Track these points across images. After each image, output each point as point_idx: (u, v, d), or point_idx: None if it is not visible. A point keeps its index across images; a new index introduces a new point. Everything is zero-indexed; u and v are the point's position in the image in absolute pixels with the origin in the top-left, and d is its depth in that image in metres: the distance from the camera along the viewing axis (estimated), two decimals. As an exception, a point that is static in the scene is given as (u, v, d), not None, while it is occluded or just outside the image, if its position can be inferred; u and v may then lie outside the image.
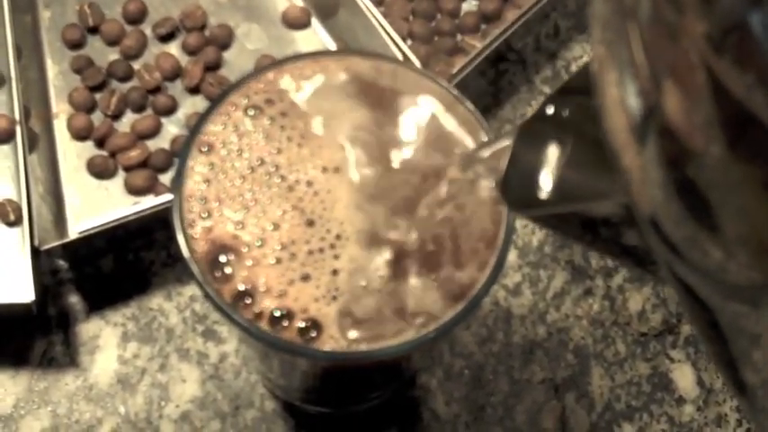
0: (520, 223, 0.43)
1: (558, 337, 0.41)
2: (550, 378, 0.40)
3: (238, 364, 0.40)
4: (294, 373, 0.36)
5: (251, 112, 0.31)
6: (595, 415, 0.39)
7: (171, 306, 0.41)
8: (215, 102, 0.31)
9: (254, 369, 0.39)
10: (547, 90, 0.45)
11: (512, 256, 0.42)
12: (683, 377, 0.40)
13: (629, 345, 0.41)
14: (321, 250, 0.29)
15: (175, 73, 0.46)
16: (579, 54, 0.46)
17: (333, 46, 0.47)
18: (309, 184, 0.30)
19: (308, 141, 0.31)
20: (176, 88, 0.46)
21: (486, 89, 0.45)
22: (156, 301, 0.41)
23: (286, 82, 0.32)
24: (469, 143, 0.31)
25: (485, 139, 0.30)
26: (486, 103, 0.45)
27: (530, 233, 0.43)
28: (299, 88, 0.32)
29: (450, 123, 0.31)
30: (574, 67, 0.46)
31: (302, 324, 0.28)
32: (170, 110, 0.45)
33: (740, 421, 0.40)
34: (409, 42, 0.46)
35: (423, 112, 0.31)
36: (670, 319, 0.41)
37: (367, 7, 0.44)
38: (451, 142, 0.31)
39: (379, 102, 0.31)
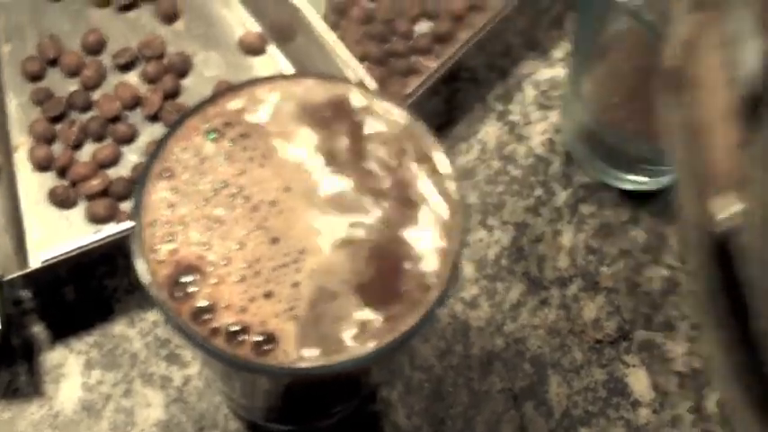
0: (476, 237, 0.44)
1: (516, 347, 0.42)
2: (509, 388, 0.41)
3: (202, 386, 0.40)
4: (255, 392, 0.36)
5: (211, 136, 0.32)
6: (554, 422, 0.40)
7: (134, 332, 0.41)
8: (173, 127, 0.32)
9: (217, 390, 0.40)
10: (499, 107, 0.47)
11: (469, 270, 0.43)
12: (638, 381, 0.41)
13: (584, 352, 0.42)
14: (285, 265, 0.30)
15: (135, 102, 0.47)
16: (530, 71, 0.47)
17: (290, 70, 0.48)
18: (273, 203, 0.31)
19: (269, 161, 0.32)
20: (136, 117, 0.47)
21: (441, 108, 0.46)
22: (118, 327, 0.42)
23: (244, 105, 0.33)
24: (423, 160, 0.32)
25: (438, 155, 0.31)
26: (440, 122, 0.46)
27: (485, 247, 0.43)
28: (258, 111, 0.33)
29: (403, 142, 0.32)
30: (525, 84, 0.47)
31: (258, 338, 0.29)
32: (130, 138, 0.46)
33: (695, 422, 0.41)
34: (365, 64, 0.47)
35: (377, 132, 0.32)
36: (624, 326, 0.42)
37: (322, 31, 0.45)
38: (404, 160, 0.32)
39: (334, 121, 0.32)
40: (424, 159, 0.32)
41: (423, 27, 0.48)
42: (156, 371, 0.41)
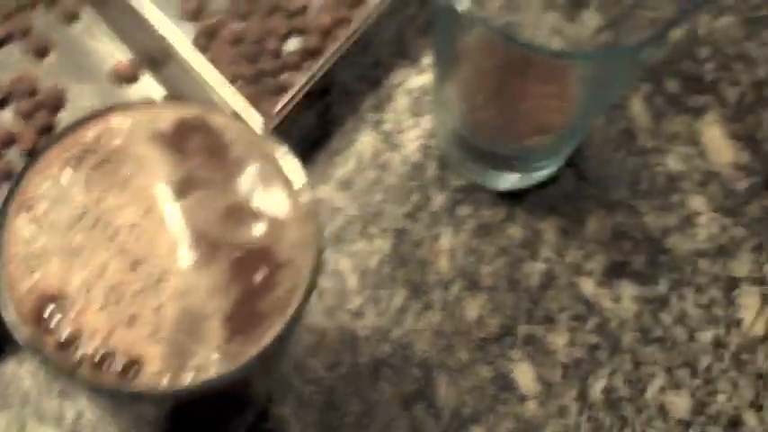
0: (357, 247, 0.44)
1: (403, 352, 0.42)
2: (399, 393, 0.42)
3: (95, 419, 0.40)
4: (141, 419, 0.36)
5: (70, 164, 0.32)
6: (444, 423, 0.41)
7: (24, 371, 0.41)
8: (30, 161, 0.33)
9: (108, 421, 0.40)
10: (373, 118, 0.47)
11: (353, 280, 0.44)
12: (523, 375, 0.42)
13: (470, 351, 0.43)
14: (147, 289, 0.30)
15: (10, 139, 0.47)
16: (401, 80, 0.48)
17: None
18: (133, 227, 0.31)
19: (128, 187, 0.32)
20: (13, 154, 0.46)
21: (314, 123, 0.47)
22: (9, 367, 0.41)
23: (100, 132, 0.33)
24: (277, 176, 0.32)
25: (292, 170, 0.32)
26: (315, 137, 0.47)
27: (367, 256, 0.44)
28: (114, 137, 0.33)
29: (258, 159, 0.33)
30: (396, 93, 0.48)
31: (123, 364, 0.29)
32: (6, 176, 0.45)
33: (581, 410, 0.42)
34: (237, 85, 0.47)
35: (231, 152, 0.33)
36: (506, 322, 0.43)
37: (189, 56, 0.45)
38: (259, 177, 0.32)
39: (190, 144, 0.33)
40: (279, 175, 0.32)
41: (293, 44, 0.49)
42: (48, 408, 0.41)
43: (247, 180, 0.32)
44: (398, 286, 0.44)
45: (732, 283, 0.44)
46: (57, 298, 0.30)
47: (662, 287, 0.44)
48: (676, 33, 0.49)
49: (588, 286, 0.44)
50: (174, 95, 0.47)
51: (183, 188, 0.32)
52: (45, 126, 0.47)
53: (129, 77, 0.48)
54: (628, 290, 0.44)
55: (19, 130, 0.47)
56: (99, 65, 0.49)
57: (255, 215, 0.32)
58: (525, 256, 0.45)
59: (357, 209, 0.45)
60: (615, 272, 0.44)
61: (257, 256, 0.31)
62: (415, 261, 0.44)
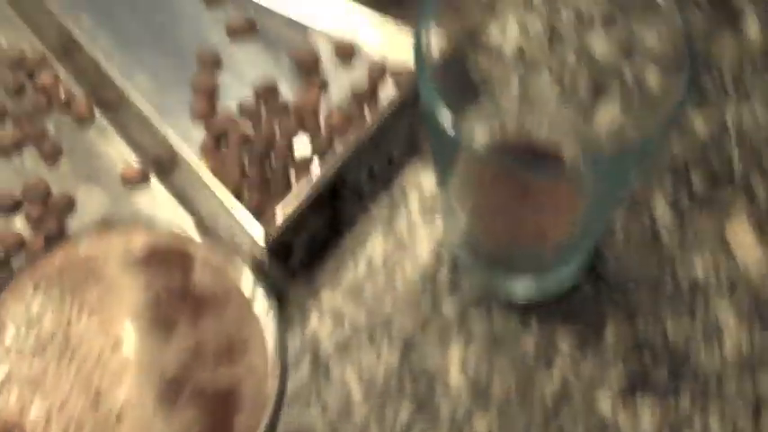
0: (364, 356, 0.42)
1: (408, 471, 0.40)
2: None
3: None
4: None
5: (42, 288, 0.32)
6: None
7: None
8: (1, 285, 0.32)
9: None
10: (384, 218, 0.46)
11: (357, 393, 0.42)
12: (534, 499, 0.40)
13: (479, 471, 0.40)
14: (105, 425, 0.29)
15: (20, 244, 0.46)
16: (413, 179, 0.47)
17: (173, 202, 0.47)
18: (99, 359, 0.31)
19: (97, 313, 0.31)
20: (23, 260, 0.46)
21: (324, 225, 0.46)
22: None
23: (74, 257, 0.33)
24: (247, 305, 0.31)
25: (261, 298, 0.31)
26: (324, 239, 0.45)
27: (374, 366, 0.42)
28: (87, 262, 0.33)
29: (227, 297, 0.32)
30: (409, 192, 0.46)
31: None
32: (12, 283, 0.45)
33: None
34: (246, 186, 0.47)
35: (201, 288, 0.32)
36: (518, 439, 0.41)
37: (194, 163, 0.44)
38: (231, 308, 0.31)
39: (162, 275, 0.32)
40: (248, 303, 0.32)
41: (303, 144, 0.48)
42: None
43: (214, 316, 0.31)
44: (405, 399, 0.42)
45: (761, 401, 0.41)
46: (15, 429, 0.29)
47: (684, 403, 0.41)
48: (701, 124, 0.47)
49: (605, 402, 0.41)
50: (181, 200, 0.47)
51: (151, 323, 0.31)
52: (54, 232, 0.47)
53: (136, 182, 0.48)
54: (647, 406, 0.41)
55: (27, 235, 0.47)
56: (109, 169, 0.49)
57: (221, 354, 0.31)
58: (539, 369, 0.42)
59: (365, 317, 0.44)
60: (634, 386, 0.42)
61: (221, 395, 0.30)
62: (424, 372, 0.42)
